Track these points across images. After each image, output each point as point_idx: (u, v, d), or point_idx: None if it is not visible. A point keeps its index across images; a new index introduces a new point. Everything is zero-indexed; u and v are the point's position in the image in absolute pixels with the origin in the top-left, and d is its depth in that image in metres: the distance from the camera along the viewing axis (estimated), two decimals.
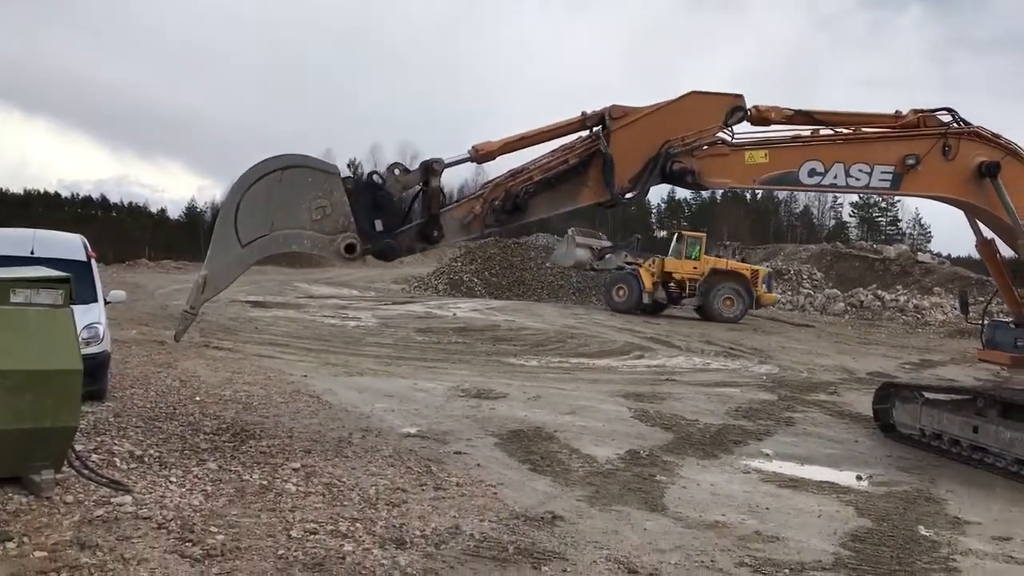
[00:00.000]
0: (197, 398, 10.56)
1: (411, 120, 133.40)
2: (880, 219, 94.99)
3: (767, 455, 10.19)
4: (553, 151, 8.87)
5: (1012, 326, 10.79)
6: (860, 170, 9.23)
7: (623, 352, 19.98)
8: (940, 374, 19.98)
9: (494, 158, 8.75)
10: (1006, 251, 10.42)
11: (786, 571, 6.19)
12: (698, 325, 28.50)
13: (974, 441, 10.30)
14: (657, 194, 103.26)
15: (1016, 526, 7.90)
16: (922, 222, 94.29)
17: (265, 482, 7.12)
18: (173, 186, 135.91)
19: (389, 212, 8.35)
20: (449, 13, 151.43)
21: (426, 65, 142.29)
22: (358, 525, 6.29)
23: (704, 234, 33.79)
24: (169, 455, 7.62)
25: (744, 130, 9.21)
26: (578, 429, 10.74)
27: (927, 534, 7.40)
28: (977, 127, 9.51)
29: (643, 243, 41.56)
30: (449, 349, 18.76)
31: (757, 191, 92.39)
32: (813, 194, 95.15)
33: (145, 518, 5.97)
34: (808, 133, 9.34)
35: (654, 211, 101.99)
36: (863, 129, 9.42)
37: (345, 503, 6.82)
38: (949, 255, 62.80)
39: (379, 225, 8.25)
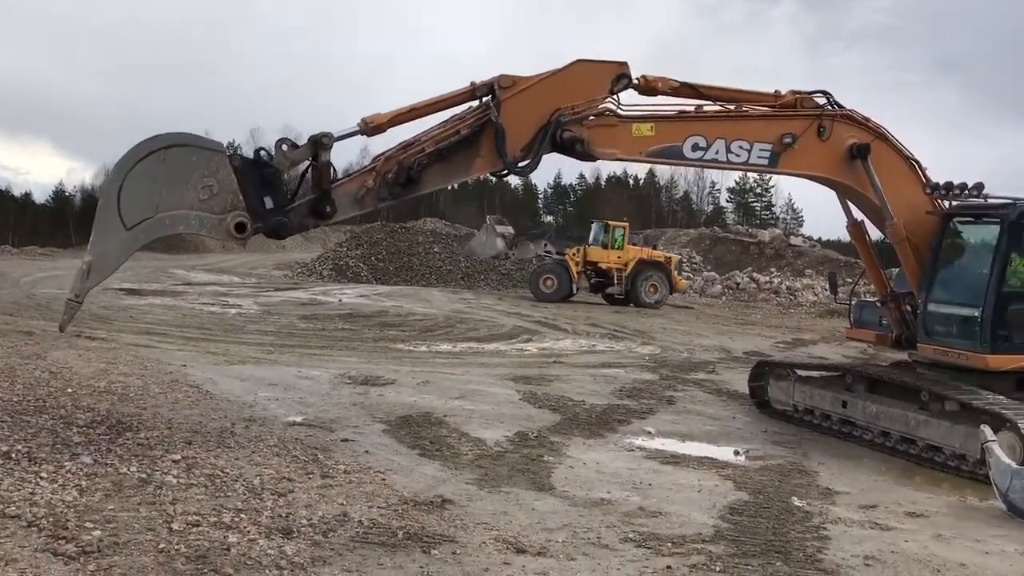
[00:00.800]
0: (69, 390, 10.09)
1: (293, 102, 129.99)
2: (755, 204, 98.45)
3: (650, 433, 10.48)
4: (444, 122, 8.82)
5: (878, 304, 11.38)
6: (740, 147, 9.54)
7: (512, 336, 20.13)
8: (812, 352, 20.90)
9: (384, 130, 8.64)
10: (875, 233, 10.99)
11: (669, 544, 6.37)
12: (583, 308, 28.96)
13: (843, 415, 10.84)
14: (543, 179, 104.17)
15: (881, 494, 8.37)
16: (794, 207, 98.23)
17: (144, 475, 6.87)
18: (39, 168, 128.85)
19: (279, 189, 8.16)
20: None
21: (308, 44, 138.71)
22: (243, 516, 6.15)
23: (627, 223, 34.21)
24: (39, 450, 7.26)
25: (632, 102, 9.39)
26: (467, 413, 10.78)
27: (800, 505, 7.76)
28: (850, 110, 10.00)
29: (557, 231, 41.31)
30: (335, 336, 18.49)
31: (640, 170, 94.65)
32: (693, 180, 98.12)
33: (13, 516, 5.68)
34: (693, 108, 9.60)
35: (540, 196, 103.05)
36: (744, 107, 9.76)
37: (229, 494, 6.66)
38: (820, 238, 65.64)
39: (269, 203, 8.03)
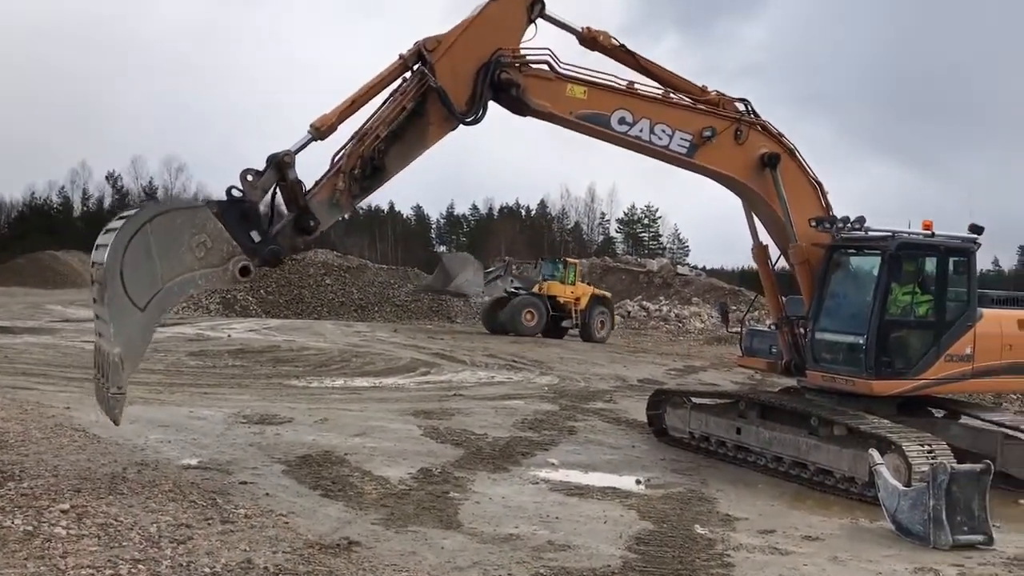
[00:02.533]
0: None
1: (175, 130, 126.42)
2: (643, 235, 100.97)
3: (553, 465, 10.54)
4: (387, 102, 8.86)
5: (772, 327, 11.75)
6: (663, 130, 9.96)
7: (410, 369, 19.96)
8: (702, 379, 21.48)
9: (335, 129, 8.63)
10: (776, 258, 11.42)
11: None
12: (480, 339, 28.99)
13: (738, 442, 11.16)
14: (436, 208, 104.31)
15: (778, 519, 8.63)
16: (680, 237, 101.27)
17: (30, 527, 6.47)
18: None
19: (260, 220, 8.23)
20: (209, 13, 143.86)
21: (188, 69, 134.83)
22: (141, 567, 5.86)
23: (579, 261, 35.32)
24: None
25: (571, 62, 9.71)
26: (369, 450, 10.61)
27: (703, 532, 7.93)
28: (766, 121, 10.55)
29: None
30: (226, 373, 17.93)
31: (532, 200, 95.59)
32: (583, 211, 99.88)
33: None
34: (625, 82, 9.96)
35: (433, 226, 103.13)
36: (671, 94, 10.21)
37: (124, 544, 6.33)
38: (704, 267, 67.84)
39: (256, 236, 8.15)
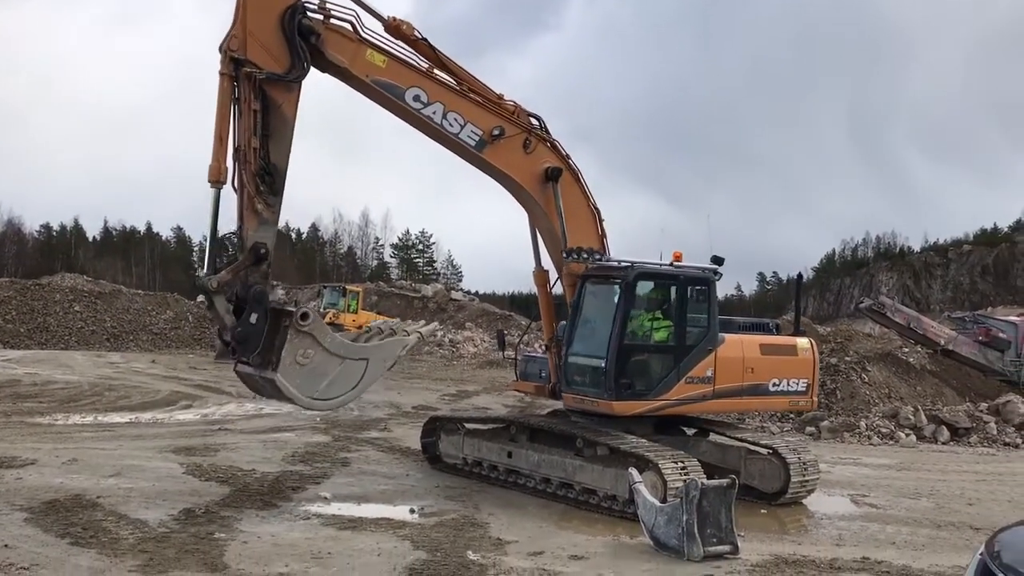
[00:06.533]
0: None
1: None
2: (418, 260, 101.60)
3: (326, 498, 10.33)
4: (238, 116, 8.95)
5: (544, 349, 12.12)
6: (456, 119, 10.26)
7: (170, 402, 18.87)
8: (476, 403, 21.85)
9: (226, 168, 8.88)
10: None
11: None
12: None
13: (509, 465, 11.44)
14: (199, 230, 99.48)
15: (546, 540, 8.90)
16: (454, 262, 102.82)
17: None
18: None
19: (257, 329, 8.95)
20: None
21: None
22: None
23: (361, 288, 34.60)
24: None
25: (377, 34, 9.87)
26: (125, 492, 9.93)
27: (475, 558, 8.04)
28: (556, 140, 11.00)
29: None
30: None
31: (303, 223, 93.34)
32: (357, 236, 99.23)
33: None
34: (427, 65, 10.17)
35: (195, 248, 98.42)
36: (470, 91, 10.45)
37: None
38: (477, 292, 69.44)
39: (253, 318, 8.87)
